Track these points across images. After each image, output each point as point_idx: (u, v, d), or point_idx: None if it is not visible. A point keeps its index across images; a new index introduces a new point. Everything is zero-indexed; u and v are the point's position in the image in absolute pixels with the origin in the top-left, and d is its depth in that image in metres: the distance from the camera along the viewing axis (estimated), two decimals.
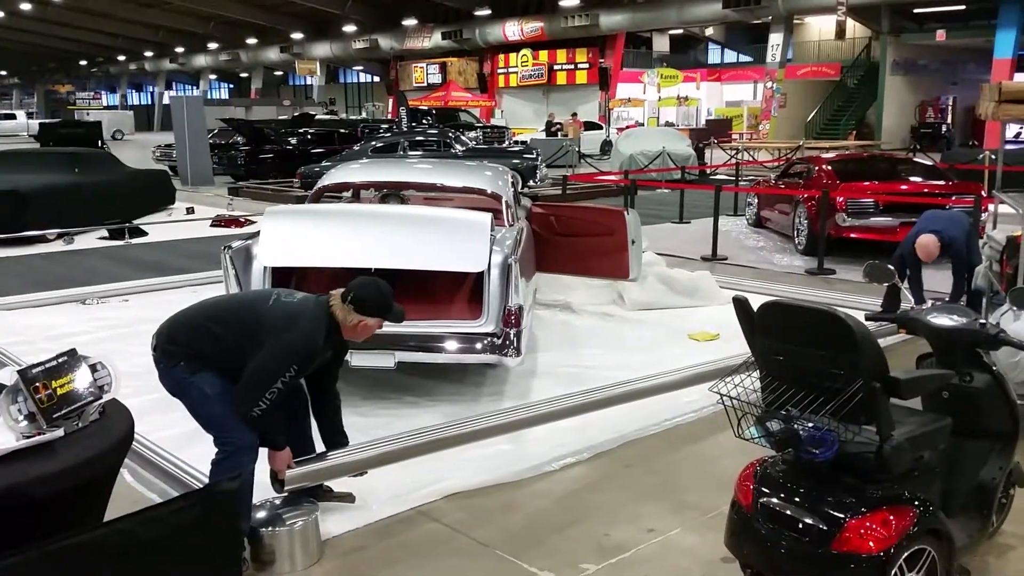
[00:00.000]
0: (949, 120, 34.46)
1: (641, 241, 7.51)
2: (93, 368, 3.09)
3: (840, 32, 30.98)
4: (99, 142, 22.11)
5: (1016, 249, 5.76)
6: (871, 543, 2.96)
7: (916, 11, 32.68)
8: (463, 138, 20.39)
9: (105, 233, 13.23)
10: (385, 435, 4.82)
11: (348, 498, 4.30)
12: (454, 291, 6.18)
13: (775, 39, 34.32)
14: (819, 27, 37.90)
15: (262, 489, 3.91)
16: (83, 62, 72.40)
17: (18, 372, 2.97)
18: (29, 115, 54.35)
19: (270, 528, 3.75)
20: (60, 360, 3.02)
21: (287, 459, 3.83)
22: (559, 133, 30.35)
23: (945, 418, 3.43)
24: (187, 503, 2.53)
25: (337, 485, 4.29)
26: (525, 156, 19.62)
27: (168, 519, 2.35)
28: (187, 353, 3.72)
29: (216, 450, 3.74)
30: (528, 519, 4.32)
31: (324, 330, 3.72)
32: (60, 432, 2.91)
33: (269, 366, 3.59)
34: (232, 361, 3.70)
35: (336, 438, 4.16)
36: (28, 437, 2.88)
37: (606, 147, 29.53)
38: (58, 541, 2.21)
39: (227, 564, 2.78)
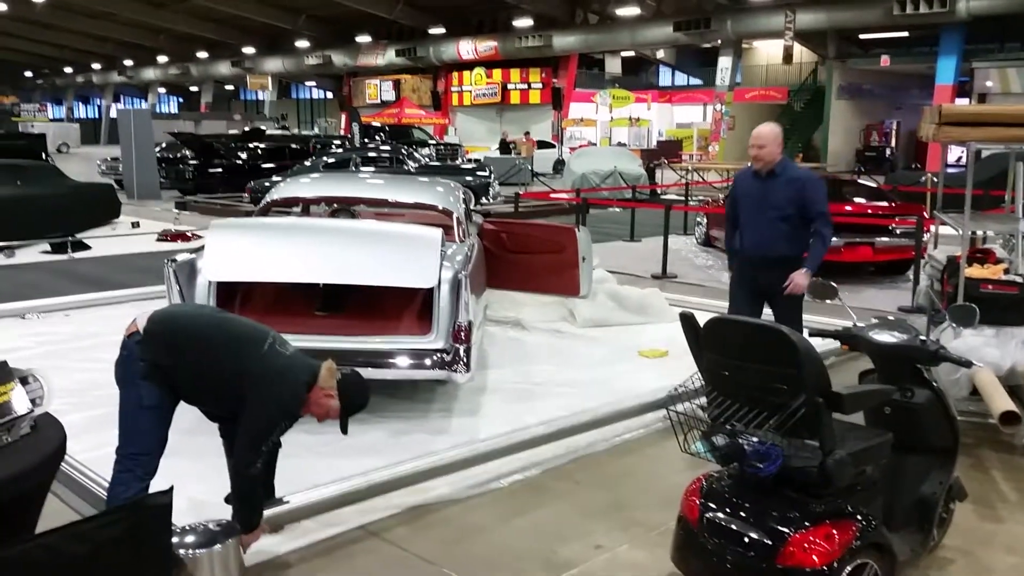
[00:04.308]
0: (893, 143, 35.35)
1: (592, 258, 7.54)
2: (24, 380, 3.00)
3: (787, 57, 31.66)
4: (43, 154, 21.66)
5: (956, 268, 5.88)
6: (815, 557, 2.99)
7: (861, 37, 33.52)
8: (416, 155, 20.37)
9: (47, 247, 12.93)
10: (332, 452, 4.77)
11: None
12: (404, 307, 6.12)
13: (724, 63, 34.93)
14: (767, 52, 38.65)
15: (198, 508, 3.82)
16: (28, 73, 71.06)
17: None
18: None
19: (190, 552, 3.62)
20: None
21: (255, 538, 3.77)
22: (512, 151, 30.48)
23: (887, 433, 3.48)
24: (114, 518, 2.45)
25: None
26: (478, 174, 19.65)
27: (94, 534, 2.27)
28: (155, 360, 3.65)
29: (115, 459, 3.68)
30: (475, 535, 4.28)
31: (305, 391, 3.67)
32: None
33: (263, 421, 3.59)
34: (190, 385, 3.70)
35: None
36: None
37: (559, 166, 29.72)
38: None
39: None
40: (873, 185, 13.58)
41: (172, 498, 2.54)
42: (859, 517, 3.15)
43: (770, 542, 3.04)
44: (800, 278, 5.47)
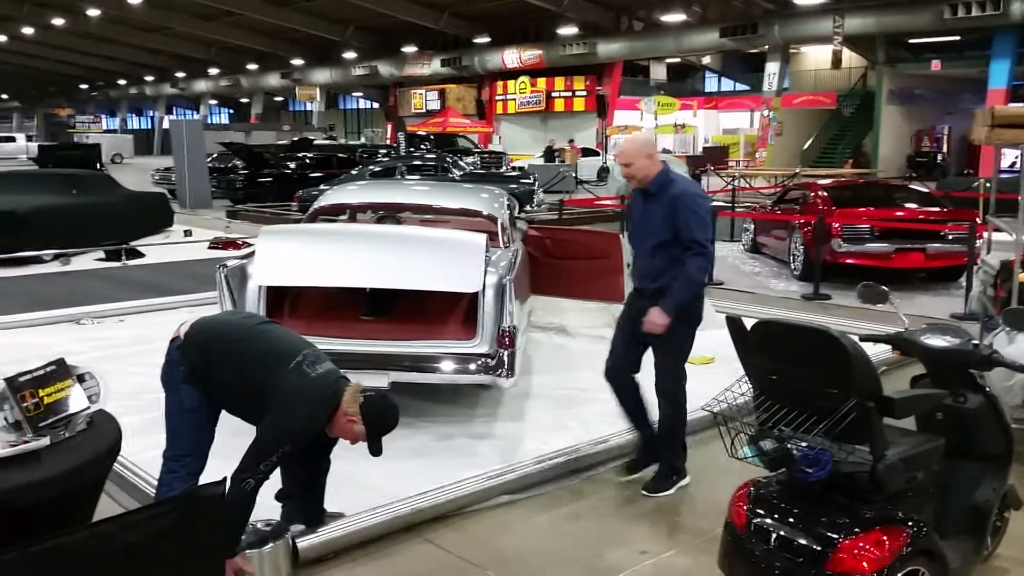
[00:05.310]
0: (945, 149, 34.65)
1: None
2: (81, 378, 3.08)
3: (836, 62, 31.25)
4: (97, 164, 22.12)
5: (1010, 273, 5.77)
6: (865, 564, 2.94)
7: (911, 41, 32.96)
8: (461, 163, 20.46)
9: (102, 254, 13.21)
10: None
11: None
12: (448, 311, 6.16)
13: (772, 68, 34.58)
14: (815, 57, 38.24)
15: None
16: (83, 86, 72.68)
17: (5, 380, 2.95)
18: (29, 138, 54.39)
19: (240, 552, 3.64)
20: (48, 369, 3.01)
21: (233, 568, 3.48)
22: (557, 159, 30.51)
23: (939, 439, 3.43)
24: (167, 508, 2.50)
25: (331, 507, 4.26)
26: (522, 181, 19.69)
27: (149, 524, 2.33)
28: (193, 365, 3.72)
29: (162, 461, 3.75)
30: (521, 540, 4.29)
31: (326, 414, 3.60)
32: (46, 441, 2.89)
33: (270, 437, 3.54)
34: (224, 392, 3.73)
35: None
36: (13, 445, 2.86)
37: (603, 173, 29.62)
38: (36, 544, 2.19)
39: (209, 572, 2.74)
40: (924, 190, 13.34)
41: (225, 489, 2.58)
42: (910, 523, 3.10)
43: (819, 548, 3.00)
44: (656, 315, 4.49)
